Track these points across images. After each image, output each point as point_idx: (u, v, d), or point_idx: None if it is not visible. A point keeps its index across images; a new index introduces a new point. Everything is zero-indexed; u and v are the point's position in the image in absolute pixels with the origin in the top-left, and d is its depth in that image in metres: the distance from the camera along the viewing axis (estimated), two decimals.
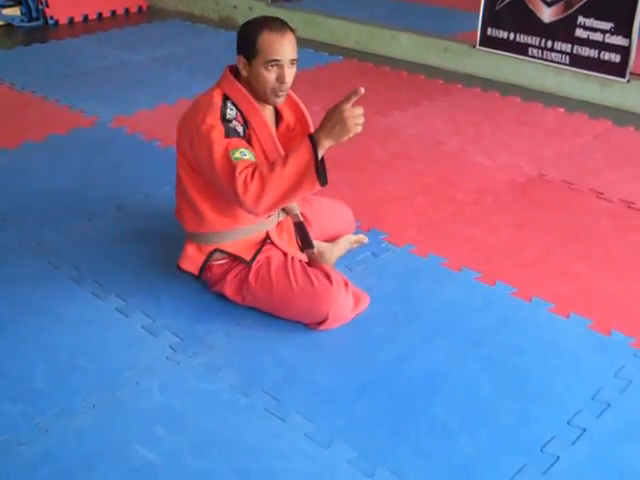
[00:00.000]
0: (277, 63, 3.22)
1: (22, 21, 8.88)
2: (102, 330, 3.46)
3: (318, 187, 3.10)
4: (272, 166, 3.10)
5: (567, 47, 6.48)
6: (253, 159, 3.19)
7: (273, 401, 3.05)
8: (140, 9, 9.68)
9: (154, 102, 6.27)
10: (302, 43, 7.97)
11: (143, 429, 2.91)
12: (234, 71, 3.40)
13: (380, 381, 3.17)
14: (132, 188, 4.74)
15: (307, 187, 3.11)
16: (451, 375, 3.21)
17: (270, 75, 3.25)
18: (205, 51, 7.93)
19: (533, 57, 6.74)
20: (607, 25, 6.18)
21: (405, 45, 7.63)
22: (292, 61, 3.27)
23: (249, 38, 3.24)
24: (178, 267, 3.63)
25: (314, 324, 3.44)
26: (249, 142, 3.34)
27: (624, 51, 6.16)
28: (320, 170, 3.08)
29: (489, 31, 6.98)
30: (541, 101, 6.42)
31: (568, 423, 2.95)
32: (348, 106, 3.12)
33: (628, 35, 6.09)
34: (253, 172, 3.10)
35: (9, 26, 8.84)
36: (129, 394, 3.08)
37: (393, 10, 9.27)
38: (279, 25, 3.26)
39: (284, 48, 3.22)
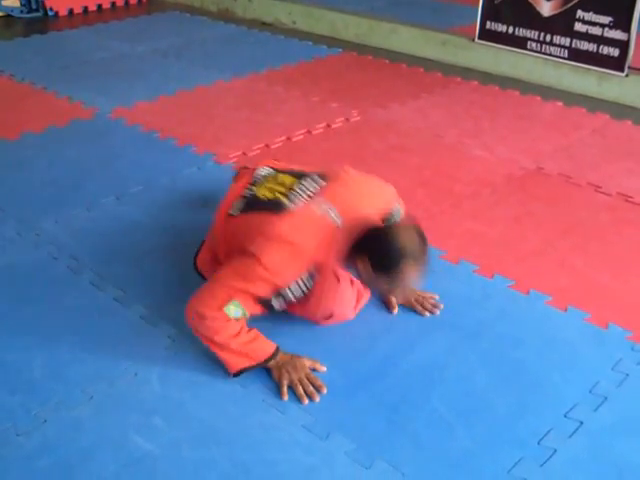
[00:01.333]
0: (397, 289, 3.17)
1: (22, 12, 8.86)
2: (101, 321, 3.47)
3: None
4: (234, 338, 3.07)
5: (566, 41, 6.48)
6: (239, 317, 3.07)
7: (271, 393, 3.06)
8: (140, 1, 9.66)
9: (153, 93, 6.26)
10: (301, 36, 8.02)
11: (141, 420, 2.92)
12: (347, 241, 3.05)
13: (378, 374, 3.17)
14: (131, 179, 4.74)
15: (227, 363, 3.13)
16: (449, 368, 3.22)
17: (382, 289, 3.20)
18: (204, 43, 7.92)
19: (532, 51, 6.74)
20: (606, 19, 6.18)
21: (404, 38, 7.62)
22: None
23: (391, 258, 2.93)
24: (195, 265, 3.65)
25: (316, 320, 3.44)
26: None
27: (623, 45, 6.16)
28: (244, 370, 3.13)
29: (488, 24, 6.97)
30: (539, 95, 6.41)
31: (565, 416, 2.96)
32: (304, 377, 3.11)
33: (627, 29, 6.08)
34: (224, 321, 3.04)
35: (9, 17, 8.82)
36: (127, 385, 3.09)
37: (392, 3, 9.26)
38: (423, 256, 3.01)
39: (416, 282, 3.12)
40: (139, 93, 6.28)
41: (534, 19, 6.63)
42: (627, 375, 3.19)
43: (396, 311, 3.58)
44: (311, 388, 3.06)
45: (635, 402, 3.06)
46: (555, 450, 2.81)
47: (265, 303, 3.08)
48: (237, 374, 3.11)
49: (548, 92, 6.49)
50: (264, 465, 2.73)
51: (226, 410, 2.98)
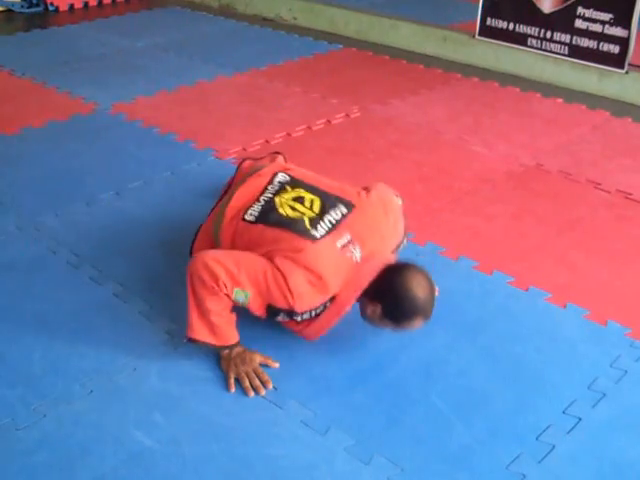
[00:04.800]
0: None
1: (22, 7, 8.84)
2: (100, 315, 3.47)
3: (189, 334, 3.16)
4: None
5: (566, 38, 6.48)
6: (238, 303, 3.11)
7: (270, 388, 3.07)
8: None
9: (153, 89, 6.26)
10: (302, 32, 8.03)
11: (141, 415, 2.92)
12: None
13: (377, 369, 3.18)
14: (131, 174, 4.74)
15: (192, 328, 3.14)
16: (448, 363, 3.23)
17: (384, 326, 3.17)
18: (205, 38, 7.92)
19: (532, 47, 6.73)
20: (606, 16, 6.17)
21: (404, 34, 7.62)
22: None
23: (404, 313, 3.06)
24: (191, 253, 3.58)
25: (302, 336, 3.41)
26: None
27: (623, 42, 6.16)
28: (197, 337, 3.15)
29: (488, 21, 6.97)
30: (540, 91, 6.41)
31: (564, 412, 2.97)
32: (251, 370, 3.13)
33: (627, 26, 6.08)
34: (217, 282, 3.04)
35: (9, 12, 8.80)
36: (127, 380, 3.09)
37: None
38: (431, 308, 3.10)
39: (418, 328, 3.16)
40: (139, 88, 6.27)
41: (534, 16, 6.63)
42: (626, 372, 3.20)
43: None
44: (257, 382, 3.07)
45: (633, 398, 3.07)
46: (553, 446, 2.82)
47: (273, 312, 3.09)
48: (191, 340, 3.15)
49: (548, 89, 6.49)
50: (263, 460, 2.74)
51: (225, 405, 2.98)
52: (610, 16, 6.16)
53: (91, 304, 3.56)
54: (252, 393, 3.03)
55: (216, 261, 3.04)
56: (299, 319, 3.12)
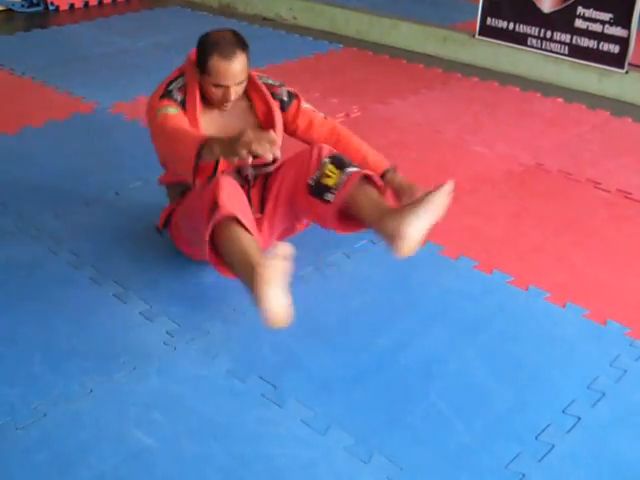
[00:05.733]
0: (222, 87, 3.34)
1: (22, 6, 8.83)
2: (100, 315, 3.48)
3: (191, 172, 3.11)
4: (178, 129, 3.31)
5: (566, 37, 6.49)
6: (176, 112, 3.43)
7: (270, 387, 3.06)
8: None
9: (154, 88, 6.24)
10: (302, 31, 8.04)
11: (140, 414, 2.92)
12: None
13: (377, 368, 3.18)
14: (131, 174, 4.74)
15: (182, 167, 3.18)
16: (448, 362, 3.23)
17: (217, 92, 3.37)
18: None
19: (532, 47, 6.74)
20: (606, 16, 6.18)
21: (405, 34, 7.63)
22: (238, 83, 3.37)
23: (202, 56, 3.35)
24: (156, 229, 3.83)
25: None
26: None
27: (623, 42, 6.17)
28: (196, 165, 3.09)
29: (488, 21, 6.97)
30: (540, 91, 6.42)
31: (563, 411, 2.97)
32: (253, 133, 2.91)
33: (627, 26, 6.09)
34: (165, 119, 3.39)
35: (9, 11, 8.80)
36: (126, 379, 3.10)
37: None
38: (230, 49, 3.30)
39: (230, 75, 3.31)
40: (140, 88, 6.25)
41: (535, 15, 6.64)
42: (625, 371, 3.20)
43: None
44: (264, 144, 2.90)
45: (633, 398, 3.07)
46: (553, 445, 2.82)
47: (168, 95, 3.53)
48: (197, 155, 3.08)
49: (548, 88, 6.49)
50: (263, 459, 2.74)
51: (225, 404, 2.98)
52: (610, 16, 6.17)
53: (91, 304, 3.56)
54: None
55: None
56: (177, 95, 3.52)
